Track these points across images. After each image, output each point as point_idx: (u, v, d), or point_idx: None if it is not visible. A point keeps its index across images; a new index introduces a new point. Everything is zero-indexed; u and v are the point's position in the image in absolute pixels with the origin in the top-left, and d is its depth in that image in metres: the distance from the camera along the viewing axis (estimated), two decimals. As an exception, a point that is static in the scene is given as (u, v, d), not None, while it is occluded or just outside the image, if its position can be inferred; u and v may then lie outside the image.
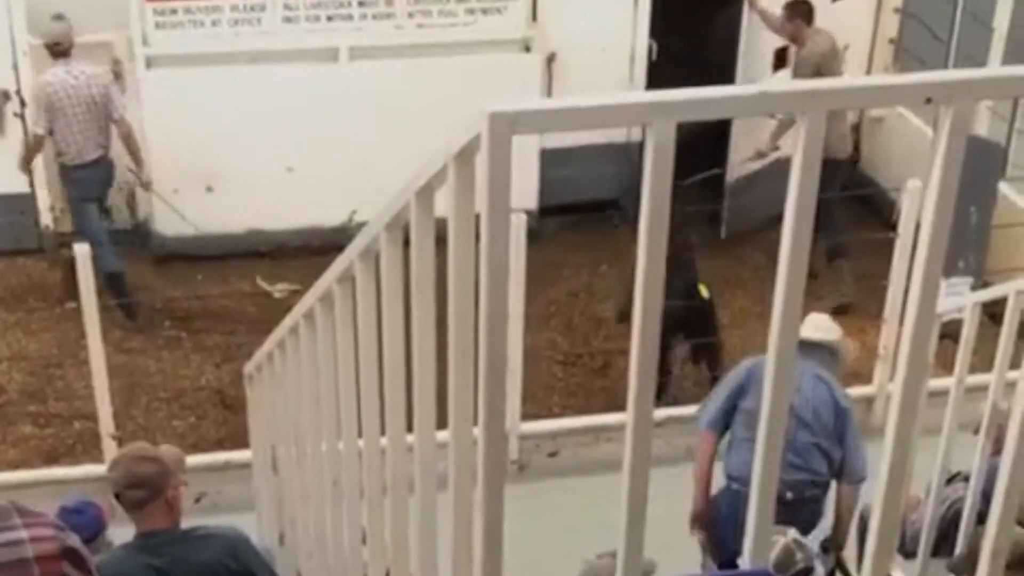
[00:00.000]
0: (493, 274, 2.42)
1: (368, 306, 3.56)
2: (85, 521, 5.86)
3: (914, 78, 2.70)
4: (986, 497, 5.30)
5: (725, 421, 6.89)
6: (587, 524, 5.43)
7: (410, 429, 3.22)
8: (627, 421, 2.62)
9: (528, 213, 9.09)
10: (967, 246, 9.60)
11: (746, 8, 11.10)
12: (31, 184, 10.94)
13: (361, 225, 3.64)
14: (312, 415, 4.72)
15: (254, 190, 10.93)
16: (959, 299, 7.14)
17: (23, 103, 10.70)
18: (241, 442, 7.90)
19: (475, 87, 9.90)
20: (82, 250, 7.69)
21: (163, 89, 10.70)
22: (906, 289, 2.74)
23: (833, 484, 6.82)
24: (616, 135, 10.79)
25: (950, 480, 6.28)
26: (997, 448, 5.22)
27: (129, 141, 10.25)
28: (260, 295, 10.45)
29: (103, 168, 10.32)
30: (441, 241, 2.74)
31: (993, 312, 6.00)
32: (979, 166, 9.17)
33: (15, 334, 10.26)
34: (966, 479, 6.08)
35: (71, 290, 9.95)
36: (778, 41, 11.17)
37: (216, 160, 10.80)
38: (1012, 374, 5.58)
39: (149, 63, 10.70)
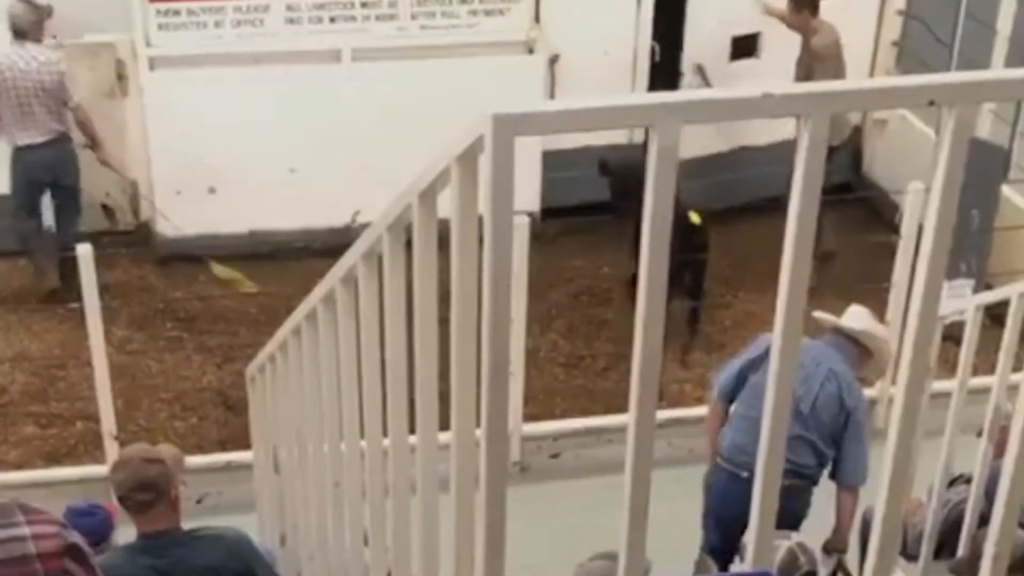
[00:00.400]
0: (496, 276, 2.42)
1: (370, 307, 3.57)
2: (95, 524, 5.82)
3: (917, 80, 2.70)
4: (988, 499, 5.30)
5: (735, 392, 6.89)
6: (589, 526, 5.43)
7: (412, 430, 3.22)
8: (629, 423, 2.62)
9: (530, 215, 9.09)
10: (969, 248, 9.61)
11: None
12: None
13: (364, 226, 3.64)
14: (314, 416, 4.72)
15: (257, 191, 10.93)
16: (961, 301, 7.15)
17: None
18: (243, 443, 7.90)
19: (478, 89, 9.90)
20: (84, 250, 7.69)
21: (166, 90, 10.70)
22: (908, 292, 2.74)
23: (832, 486, 6.81)
24: (619, 137, 10.79)
25: (952, 483, 6.28)
26: (999, 451, 5.23)
27: (85, 128, 10.26)
28: (263, 296, 10.44)
29: (51, 152, 10.27)
30: (444, 243, 2.74)
31: (995, 314, 6.00)
32: (982, 169, 9.18)
33: (17, 334, 10.27)
34: (968, 481, 6.08)
35: (65, 291, 10.05)
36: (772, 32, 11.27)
37: (219, 161, 10.80)
38: (1014, 377, 5.59)
39: (152, 64, 10.71)
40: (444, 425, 2.86)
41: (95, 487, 7.18)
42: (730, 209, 11.03)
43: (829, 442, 6.60)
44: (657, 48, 11.37)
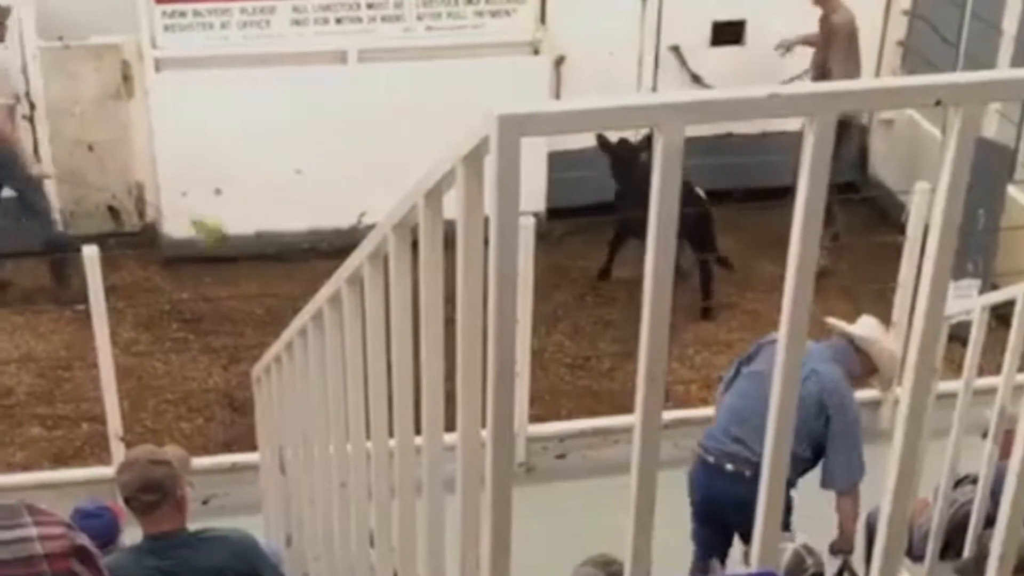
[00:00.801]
0: (501, 276, 2.42)
1: (376, 308, 3.57)
2: (101, 525, 5.83)
3: (923, 80, 2.70)
4: (994, 500, 5.30)
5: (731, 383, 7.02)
6: (595, 526, 5.43)
7: (418, 431, 3.22)
8: (635, 423, 2.62)
9: (536, 216, 9.09)
10: (975, 248, 9.59)
11: None
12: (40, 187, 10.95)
13: (370, 227, 3.64)
14: (320, 417, 4.72)
15: (263, 192, 10.93)
16: (967, 302, 7.14)
17: (32, 106, 10.72)
18: (249, 444, 7.90)
19: (484, 90, 9.90)
20: (90, 252, 7.70)
21: (172, 92, 10.71)
22: (914, 292, 2.74)
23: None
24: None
25: (958, 483, 6.28)
26: (1005, 452, 5.23)
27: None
28: (269, 297, 10.45)
29: None
30: (450, 243, 2.74)
31: (1001, 315, 5.99)
32: (987, 168, 9.15)
33: (24, 336, 10.28)
34: (974, 482, 6.07)
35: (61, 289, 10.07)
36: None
37: (225, 162, 10.81)
38: (1021, 377, 5.58)
39: (158, 66, 10.72)
40: (450, 426, 2.86)
41: (101, 488, 7.18)
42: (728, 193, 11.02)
43: (804, 442, 6.49)
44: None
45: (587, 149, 10.69)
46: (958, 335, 6.49)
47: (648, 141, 10.10)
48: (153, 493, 4.87)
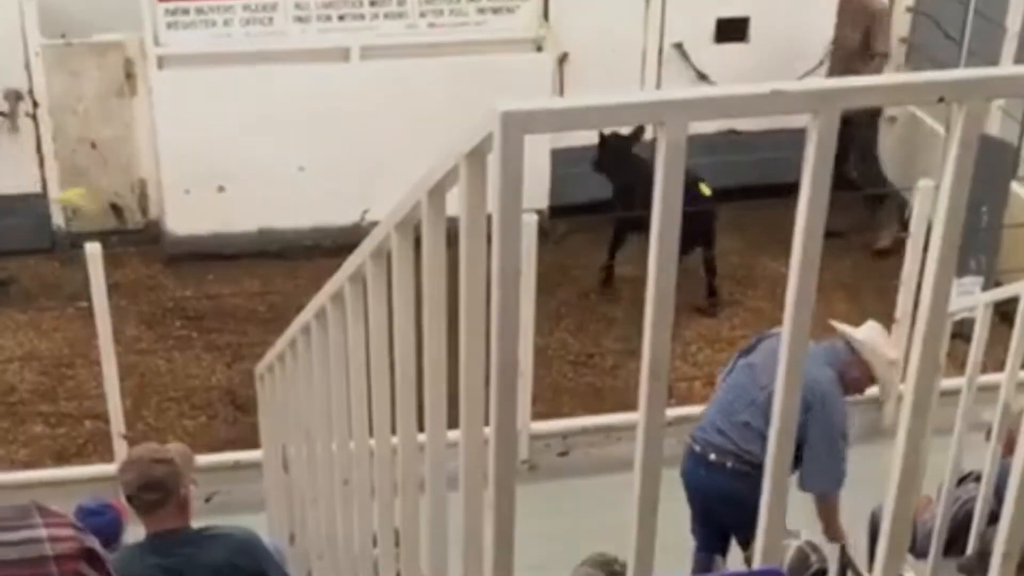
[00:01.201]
0: (504, 274, 2.41)
1: (379, 306, 3.57)
2: (104, 524, 5.83)
3: (927, 77, 2.70)
4: (998, 497, 5.29)
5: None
6: (598, 524, 5.43)
7: (421, 429, 3.22)
8: (638, 421, 2.61)
9: (539, 213, 9.08)
10: (979, 246, 9.60)
11: None
12: (43, 184, 10.97)
13: (373, 224, 3.64)
14: (323, 415, 4.72)
15: (266, 190, 10.93)
16: (970, 299, 7.13)
17: (35, 104, 10.72)
18: (252, 442, 7.90)
19: (487, 87, 9.88)
20: (93, 249, 7.70)
21: (174, 89, 10.71)
22: (918, 289, 2.74)
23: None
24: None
25: (962, 480, 6.27)
26: (1008, 449, 5.22)
27: None
28: (272, 294, 10.45)
29: None
30: (452, 241, 2.74)
31: (1005, 311, 5.99)
32: (991, 165, 9.16)
33: (27, 333, 10.28)
34: (978, 479, 6.07)
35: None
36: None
37: (227, 160, 10.80)
38: (1024, 374, 5.58)
39: (160, 63, 10.71)
40: (453, 423, 2.86)
41: (104, 486, 7.18)
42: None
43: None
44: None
45: (590, 146, 10.68)
46: (961, 332, 6.49)
47: (639, 131, 10.12)
48: (155, 492, 4.87)
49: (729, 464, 6.61)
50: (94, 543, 2.28)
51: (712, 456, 6.68)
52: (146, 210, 11.32)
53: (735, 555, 6.86)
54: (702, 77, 11.44)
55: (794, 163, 2.58)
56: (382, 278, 3.54)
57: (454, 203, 2.71)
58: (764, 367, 6.53)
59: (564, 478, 8.45)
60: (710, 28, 11.54)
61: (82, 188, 10.63)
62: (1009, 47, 10.76)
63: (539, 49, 11.19)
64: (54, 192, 10.98)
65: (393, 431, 3.56)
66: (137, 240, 11.20)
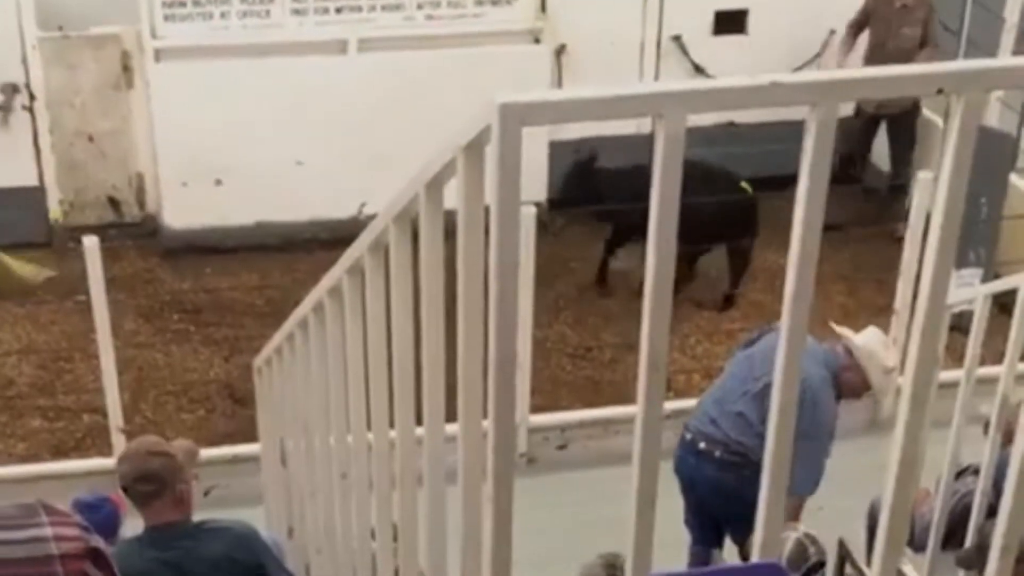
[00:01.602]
0: (502, 266, 2.41)
1: (377, 299, 3.56)
2: (101, 518, 5.82)
3: (925, 68, 2.69)
4: (996, 491, 5.29)
5: None
6: (596, 517, 5.43)
7: (419, 422, 3.21)
8: (636, 414, 2.61)
9: (537, 205, 9.08)
10: (977, 237, 9.60)
11: None
12: (40, 177, 10.97)
13: (370, 217, 3.63)
14: (321, 408, 4.72)
15: (263, 183, 10.93)
16: (969, 290, 7.13)
17: (32, 97, 10.72)
18: (250, 436, 7.89)
19: (484, 79, 9.89)
20: (90, 242, 7.69)
21: (172, 82, 10.70)
22: (916, 281, 2.73)
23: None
24: (625, 126, 10.77)
25: (960, 473, 6.27)
26: (1008, 438, 5.22)
27: None
28: (270, 288, 10.45)
29: None
30: (450, 234, 2.73)
31: (1003, 303, 5.98)
32: (990, 157, 9.15)
33: (24, 327, 10.28)
34: (976, 472, 6.06)
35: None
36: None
37: (225, 153, 10.80)
38: (1023, 366, 5.57)
39: (158, 56, 10.71)
40: (451, 416, 2.85)
41: (102, 480, 7.17)
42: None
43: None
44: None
45: (588, 139, 10.68)
46: (960, 324, 6.48)
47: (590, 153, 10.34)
48: (150, 483, 4.87)
49: (718, 453, 6.61)
50: (99, 543, 2.28)
51: (702, 444, 6.68)
52: (143, 203, 11.32)
53: (731, 548, 6.86)
54: (698, 70, 11.44)
55: (793, 155, 2.57)
56: (380, 271, 3.54)
57: (452, 196, 2.70)
58: (762, 358, 6.52)
59: (563, 471, 8.45)
60: (709, 20, 11.54)
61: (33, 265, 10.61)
62: (1008, 38, 10.75)
63: (537, 41, 11.19)
64: (51, 185, 10.98)
65: (391, 425, 3.55)
66: (135, 233, 11.20)
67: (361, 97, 10.78)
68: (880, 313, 9.31)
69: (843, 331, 6.87)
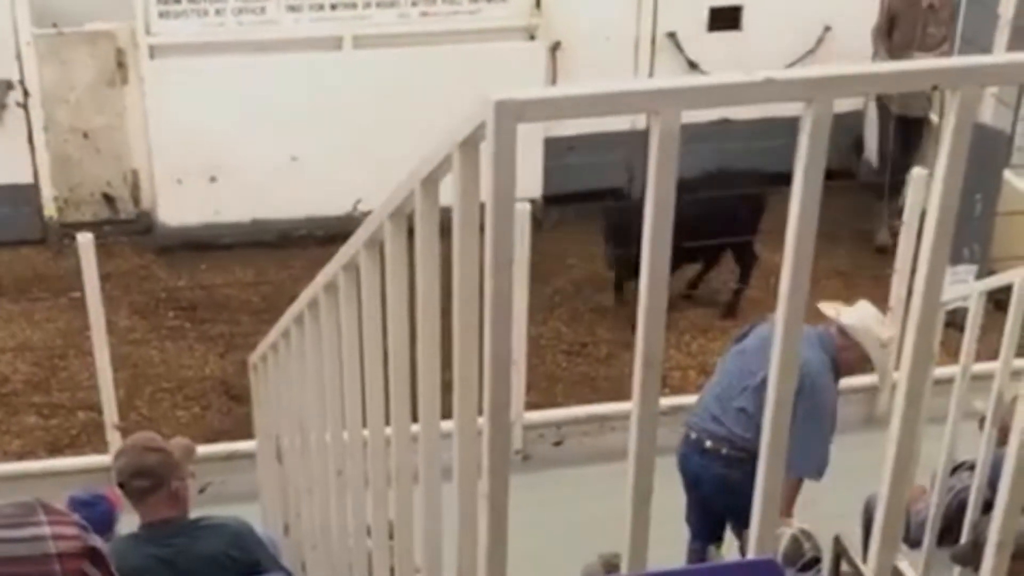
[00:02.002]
0: (498, 263, 2.41)
1: (373, 295, 3.56)
2: (96, 515, 5.81)
3: (920, 64, 2.69)
4: (992, 486, 5.30)
5: None
6: (592, 514, 5.43)
7: (415, 419, 3.21)
8: (632, 410, 2.61)
9: (532, 202, 9.08)
10: (972, 234, 9.60)
11: None
12: (35, 174, 10.95)
13: (366, 214, 3.63)
14: (316, 405, 4.71)
15: (258, 179, 10.92)
16: (964, 287, 7.13)
17: (27, 93, 10.70)
18: (245, 432, 7.90)
19: (479, 76, 9.88)
20: (85, 239, 7.69)
21: (166, 78, 10.69)
22: (911, 278, 2.73)
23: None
24: (620, 123, 10.78)
25: (955, 469, 6.27)
26: (1003, 436, 5.22)
27: None
28: (265, 284, 10.44)
29: None
30: (446, 230, 2.73)
31: (998, 300, 5.99)
32: (984, 154, 9.16)
33: (19, 324, 10.27)
34: (971, 468, 6.07)
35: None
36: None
37: (220, 149, 10.79)
38: (1017, 362, 5.58)
39: (153, 52, 10.69)
40: (446, 413, 2.85)
41: (97, 477, 7.18)
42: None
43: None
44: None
45: (584, 135, 10.68)
46: (954, 321, 6.48)
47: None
48: (145, 479, 4.87)
49: (724, 451, 6.61)
50: (97, 542, 2.28)
51: (708, 443, 6.69)
52: (138, 200, 11.31)
53: (729, 543, 6.87)
54: (693, 67, 11.44)
55: (788, 152, 2.57)
56: (375, 268, 3.53)
57: (448, 192, 2.70)
58: (755, 353, 6.52)
59: (558, 468, 8.45)
60: (703, 17, 11.54)
61: None
62: (1002, 35, 10.76)
63: (532, 38, 11.18)
64: (46, 182, 10.97)
65: (387, 422, 3.55)
66: (129, 230, 11.19)
67: (356, 94, 10.77)
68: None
69: (833, 310, 6.82)
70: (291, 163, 10.99)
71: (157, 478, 4.89)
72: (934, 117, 11.14)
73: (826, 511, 6.80)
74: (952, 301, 6.40)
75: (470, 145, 2.56)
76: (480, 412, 2.61)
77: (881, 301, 8.99)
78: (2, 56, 10.58)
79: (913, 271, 2.72)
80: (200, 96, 10.65)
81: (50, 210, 11.07)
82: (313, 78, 10.79)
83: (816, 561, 5.90)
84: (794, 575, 5.73)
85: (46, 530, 2.21)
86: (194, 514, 5.14)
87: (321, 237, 10.46)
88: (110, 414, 8.26)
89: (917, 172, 8.38)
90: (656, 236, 2.46)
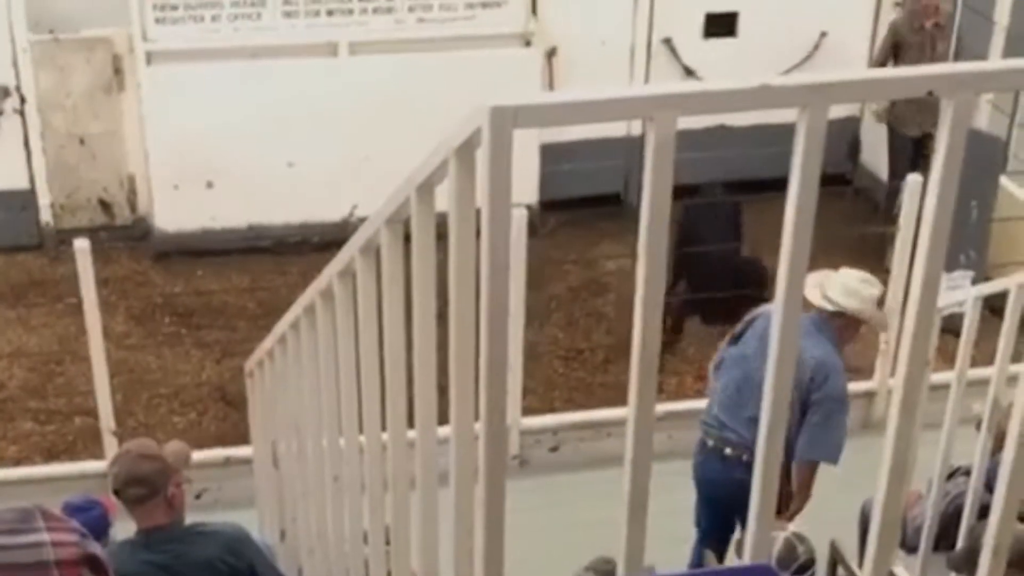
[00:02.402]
0: (494, 269, 2.41)
1: (369, 301, 3.56)
2: (90, 520, 5.81)
3: (915, 71, 2.70)
4: (988, 491, 5.30)
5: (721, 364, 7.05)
6: (588, 519, 5.43)
7: (411, 424, 3.21)
8: (628, 416, 2.61)
9: (528, 208, 9.08)
10: (968, 240, 9.61)
11: None
12: (31, 180, 10.96)
13: (362, 220, 3.63)
14: (313, 410, 4.71)
15: (255, 185, 10.93)
16: (960, 293, 7.13)
17: (23, 99, 10.71)
18: (242, 438, 7.89)
19: (475, 82, 9.89)
20: (81, 245, 7.68)
21: (163, 84, 10.70)
22: (907, 283, 2.74)
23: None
24: (616, 129, 10.79)
25: (951, 475, 6.28)
26: (999, 444, 5.22)
27: None
28: (261, 290, 10.44)
29: None
30: (442, 236, 2.73)
31: (994, 306, 5.99)
32: (980, 160, 9.18)
33: (16, 330, 10.27)
34: (967, 474, 6.07)
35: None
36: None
37: (216, 155, 10.80)
38: (1013, 368, 5.58)
39: (149, 59, 10.70)
40: (443, 419, 2.85)
41: (94, 483, 7.17)
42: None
43: (798, 426, 6.52)
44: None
45: (579, 141, 10.69)
46: (951, 327, 6.49)
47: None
48: (140, 487, 4.87)
49: (745, 457, 6.59)
50: (96, 549, 2.27)
51: (728, 450, 6.69)
52: (135, 206, 11.32)
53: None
54: (689, 73, 11.45)
55: (784, 158, 2.58)
56: (372, 274, 3.53)
57: (444, 198, 2.71)
58: (757, 358, 6.52)
59: (555, 473, 8.45)
60: (699, 23, 11.55)
61: None
62: (997, 41, 10.77)
63: (528, 44, 11.20)
64: (42, 188, 10.97)
65: (383, 427, 3.55)
66: (126, 236, 11.20)
67: (352, 100, 10.78)
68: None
69: (818, 294, 6.72)
70: (287, 169, 11.00)
71: (152, 486, 4.89)
72: None
73: (822, 516, 6.81)
74: (948, 307, 6.41)
75: (466, 151, 2.56)
76: (477, 417, 2.61)
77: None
78: (-1, 62, 10.60)
79: (909, 277, 2.72)
80: (196, 102, 10.65)
81: (47, 216, 11.08)
82: (309, 84, 10.80)
83: (811, 564, 5.91)
84: (789, 579, 5.74)
85: (45, 537, 2.20)
86: (190, 520, 5.14)
87: (317, 243, 10.47)
88: (106, 420, 8.25)
89: (913, 178, 8.39)
90: (652, 241, 2.46)
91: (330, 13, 10.93)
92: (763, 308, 6.84)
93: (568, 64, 11.18)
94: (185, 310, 10.53)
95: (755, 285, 9.54)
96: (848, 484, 6.61)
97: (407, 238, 3.06)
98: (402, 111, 10.46)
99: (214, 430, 9.25)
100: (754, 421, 6.76)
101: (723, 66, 10.99)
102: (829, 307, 6.66)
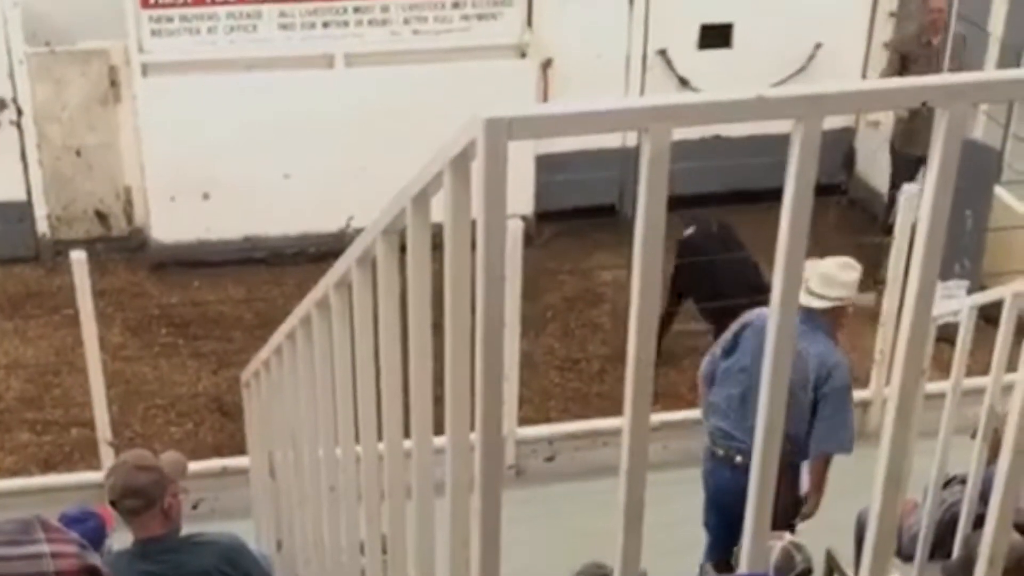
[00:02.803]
0: (489, 280, 2.42)
1: (365, 312, 3.56)
2: (86, 532, 5.81)
3: (910, 82, 2.70)
4: (984, 500, 5.30)
5: (714, 375, 7.09)
6: (584, 529, 5.43)
7: (407, 434, 3.22)
8: (624, 426, 2.62)
9: (524, 218, 9.09)
10: (963, 249, 9.62)
11: None
12: (28, 192, 10.96)
13: (358, 231, 3.64)
14: (309, 421, 4.72)
15: (251, 197, 10.93)
16: (955, 302, 7.14)
17: (20, 111, 10.71)
18: (238, 448, 7.89)
19: (471, 93, 9.90)
20: (78, 256, 7.69)
21: (159, 96, 10.71)
22: (902, 292, 2.75)
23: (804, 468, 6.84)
24: (611, 140, 10.80)
25: (947, 483, 6.28)
26: (994, 453, 5.23)
27: None
28: (258, 301, 10.44)
29: None
30: (437, 247, 2.74)
31: (989, 315, 6.00)
32: (975, 170, 9.18)
33: (12, 341, 10.27)
34: (963, 482, 6.07)
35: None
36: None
37: (212, 167, 10.80)
38: (1008, 377, 5.58)
39: (145, 70, 10.71)
40: (439, 429, 2.86)
41: (90, 494, 7.16)
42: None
43: (796, 422, 6.52)
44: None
45: (575, 152, 10.70)
46: (946, 336, 6.50)
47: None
48: (136, 499, 4.87)
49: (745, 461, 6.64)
50: (96, 560, 2.28)
51: (738, 459, 6.71)
52: (131, 217, 11.32)
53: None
54: (684, 84, 11.47)
55: (779, 169, 2.59)
56: (367, 284, 3.54)
57: (439, 209, 2.71)
58: (756, 366, 6.53)
59: (550, 483, 8.45)
60: (694, 34, 11.57)
61: None
62: (992, 51, 10.80)
63: (523, 55, 11.21)
64: (39, 200, 10.98)
65: (379, 437, 3.56)
66: (122, 247, 11.20)
67: (348, 111, 10.79)
68: (866, 323, 9.34)
69: (803, 294, 6.74)
70: (283, 180, 11.00)
71: (148, 497, 4.89)
72: None
73: (818, 525, 6.81)
74: (943, 316, 6.42)
75: (461, 162, 2.57)
76: (473, 427, 2.62)
77: (871, 319, 9.03)
78: (-5, 74, 10.61)
79: (904, 286, 2.73)
80: (193, 114, 10.66)
81: (43, 227, 11.08)
82: (305, 96, 10.81)
83: (808, 572, 5.91)
84: (786, 588, 5.75)
85: (45, 548, 2.20)
86: (186, 530, 5.13)
87: (313, 254, 10.47)
88: (103, 431, 8.25)
89: (908, 188, 8.40)
90: (647, 252, 2.47)
91: (326, 25, 10.94)
92: (749, 316, 6.86)
93: (563, 75, 11.19)
94: (181, 321, 10.53)
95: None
96: (844, 493, 6.62)
97: (403, 249, 3.07)
98: (398, 122, 10.47)
99: (210, 440, 9.25)
100: None
101: (718, 77, 10.99)
102: (815, 303, 6.68)
